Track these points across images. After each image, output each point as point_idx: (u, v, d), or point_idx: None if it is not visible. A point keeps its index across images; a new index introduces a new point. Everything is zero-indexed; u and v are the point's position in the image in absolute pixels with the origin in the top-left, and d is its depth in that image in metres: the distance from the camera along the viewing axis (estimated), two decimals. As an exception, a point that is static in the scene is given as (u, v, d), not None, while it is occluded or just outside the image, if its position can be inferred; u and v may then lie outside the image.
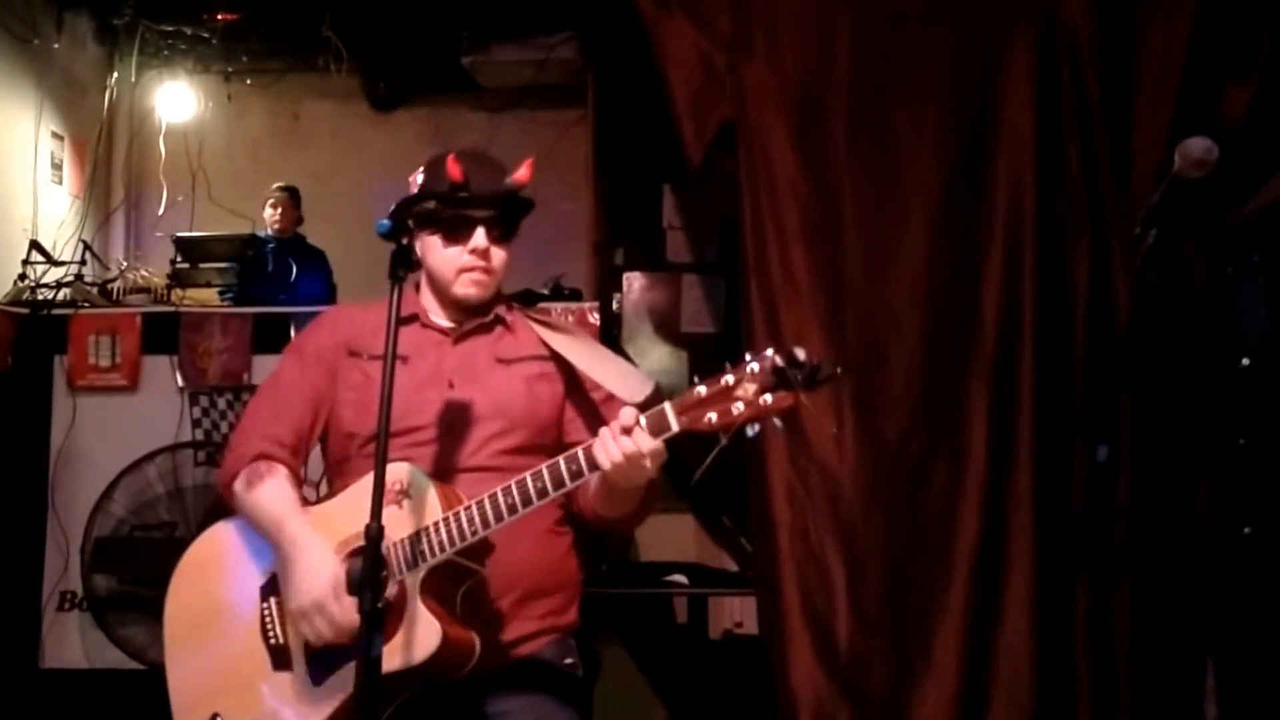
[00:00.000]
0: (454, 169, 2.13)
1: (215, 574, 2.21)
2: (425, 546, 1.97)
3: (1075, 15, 3.25)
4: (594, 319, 4.10)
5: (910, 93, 3.36)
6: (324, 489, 2.36)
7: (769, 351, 1.79)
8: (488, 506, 1.96)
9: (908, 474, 3.27)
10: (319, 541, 2.05)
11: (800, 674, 3.22)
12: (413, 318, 2.23)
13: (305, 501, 2.19)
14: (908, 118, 3.36)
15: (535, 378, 2.24)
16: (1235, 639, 3.01)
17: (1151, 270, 2.66)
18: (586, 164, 5.37)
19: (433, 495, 1.99)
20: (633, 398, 2.05)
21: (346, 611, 1.95)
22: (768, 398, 1.77)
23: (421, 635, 1.94)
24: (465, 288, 2.21)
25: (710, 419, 1.81)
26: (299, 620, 2.04)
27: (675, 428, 1.85)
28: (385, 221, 1.94)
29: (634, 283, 4.39)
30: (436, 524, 1.97)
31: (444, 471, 2.11)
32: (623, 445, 1.88)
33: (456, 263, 2.19)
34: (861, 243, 3.36)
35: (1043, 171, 3.26)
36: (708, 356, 4.24)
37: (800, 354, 1.77)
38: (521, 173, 2.19)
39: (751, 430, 1.80)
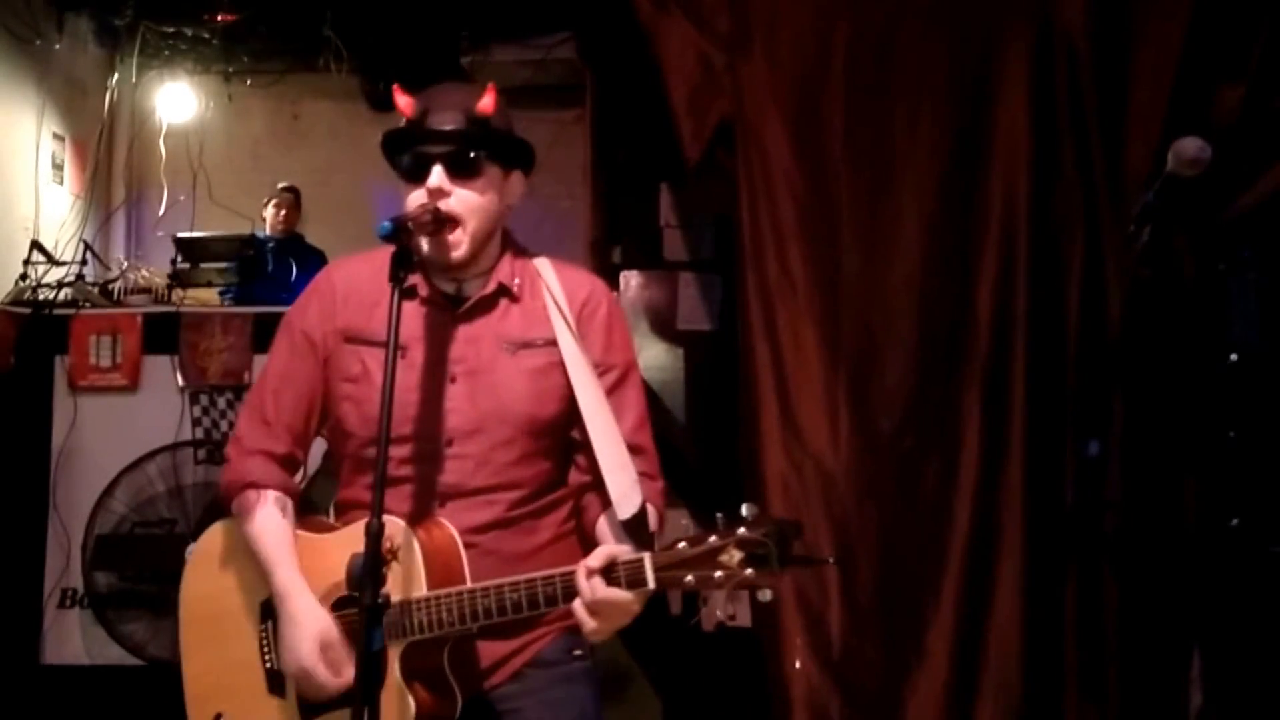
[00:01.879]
0: (403, 103, 1.95)
1: (230, 569, 2.11)
2: (409, 621, 1.87)
3: (1071, 15, 3.27)
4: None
5: (907, 91, 3.38)
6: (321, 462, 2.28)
7: (762, 523, 1.69)
8: (479, 604, 1.85)
9: (901, 468, 3.30)
10: (305, 598, 1.96)
11: (793, 666, 3.25)
12: (411, 291, 1.98)
13: (300, 516, 2.11)
14: (904, 116, 3.38)
15: (540, 370, 2.01)
16: (1220, 629, 3.04)
17: (1144, 266, 2.68)
18: (584, 163, 5.38)
19: (420, 570, 1.88)
20: (619, 508, 1.91)
21: (333, 676, 1.91)
22: (750, 572, 1.68)
23: (397, 712, 1.86)
24: (431, 247, 1.95)
25: (689, 580, 1.72)
26: (291, 678, 1.99)
27: (651, 585, 1.74)
28: (387, 224, 1.82)
29: (631, 280, 4.39)
30: (422, 602, 1.87)
31: (440, 495, 1.98)
32: (595, 590, 1.77)
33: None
34: (857, 239, 3.38)
35: (1037, 169, 3.28)
36: (704, 353, 4.25)
37: (791, 532, 1.68)
38: (485, 102, 1.94)
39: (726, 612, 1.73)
